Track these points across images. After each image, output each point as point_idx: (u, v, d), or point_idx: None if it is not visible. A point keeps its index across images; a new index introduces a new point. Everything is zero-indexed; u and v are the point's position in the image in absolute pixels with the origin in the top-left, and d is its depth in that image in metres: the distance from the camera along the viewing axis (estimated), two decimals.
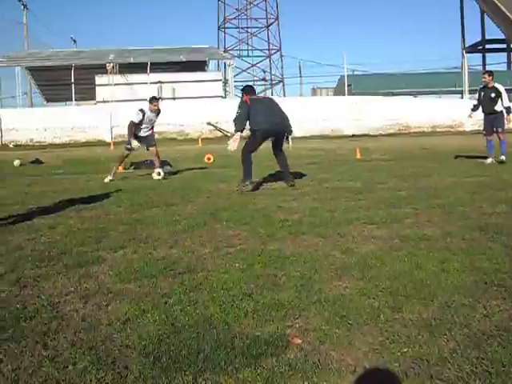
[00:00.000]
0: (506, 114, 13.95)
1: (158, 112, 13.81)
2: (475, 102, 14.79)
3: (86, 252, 5.68)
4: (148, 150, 14.03)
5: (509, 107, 13.93)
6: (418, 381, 2.80)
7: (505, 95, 14.01)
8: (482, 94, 14.29)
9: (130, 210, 8.33)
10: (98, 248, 5.84)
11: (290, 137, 11.17)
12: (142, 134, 13.66)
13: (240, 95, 11.04)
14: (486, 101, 14.09)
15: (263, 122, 10.23)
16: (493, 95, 13.94)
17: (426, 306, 3.75)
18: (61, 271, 4.97)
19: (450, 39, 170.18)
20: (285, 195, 9.30)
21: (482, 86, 14.48)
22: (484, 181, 10.18)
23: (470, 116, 15.16)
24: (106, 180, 12.92)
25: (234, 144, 10.13)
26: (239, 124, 10.19)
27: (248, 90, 10.91)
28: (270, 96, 11.47)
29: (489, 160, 13.71)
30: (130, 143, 13.48)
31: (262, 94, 65.72)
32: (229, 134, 34.74)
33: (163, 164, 15.83)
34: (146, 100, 13.93)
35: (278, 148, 10.84)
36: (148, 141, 13.82)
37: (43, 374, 3.00)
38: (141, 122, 13.49)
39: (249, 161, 10.45)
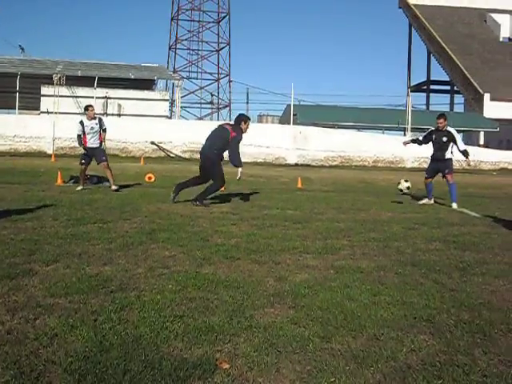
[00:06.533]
0: (464, 158, 13.62)
1: (97, 119, 14.51)
2: (420, 138, 14.27)
3: (18, 264, 5.57)
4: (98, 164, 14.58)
5: (465, 150, 13.49)
6: None
7: (459, 139, 13.64)
8: (434, 136, 13.68)
9: (66, 224, 8.19)
10: (30, 260, 5.73)
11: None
12: (90, 144, 14.29)
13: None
14: (437, 145, 13.63)
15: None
16: (444, 139, 13.42)
17: (354, 338, 3.80)
18: None
19: (396, 77, 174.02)
20: (224, 219, 9.30)
21: (434, 128, 13.84)
22: (420, 217, 10.38)
23: (405, 143, 15.12)
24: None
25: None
26: None
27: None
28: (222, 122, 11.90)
29: (424, 200, 13.60)
30: (82, 159, 14.42)
31: (208, 117, 65.93)
32: (172, 155, 34.62)
33: (102, 180, 15.74)
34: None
35: None
36: (97, 155, 14.37)
37: None
38: (84, 133, 14.16)
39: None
